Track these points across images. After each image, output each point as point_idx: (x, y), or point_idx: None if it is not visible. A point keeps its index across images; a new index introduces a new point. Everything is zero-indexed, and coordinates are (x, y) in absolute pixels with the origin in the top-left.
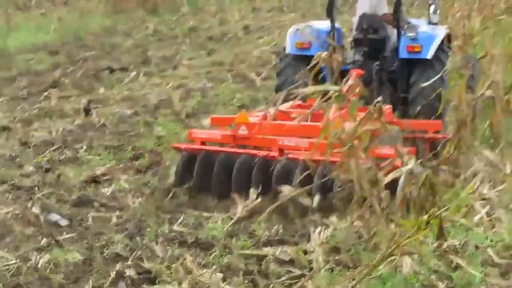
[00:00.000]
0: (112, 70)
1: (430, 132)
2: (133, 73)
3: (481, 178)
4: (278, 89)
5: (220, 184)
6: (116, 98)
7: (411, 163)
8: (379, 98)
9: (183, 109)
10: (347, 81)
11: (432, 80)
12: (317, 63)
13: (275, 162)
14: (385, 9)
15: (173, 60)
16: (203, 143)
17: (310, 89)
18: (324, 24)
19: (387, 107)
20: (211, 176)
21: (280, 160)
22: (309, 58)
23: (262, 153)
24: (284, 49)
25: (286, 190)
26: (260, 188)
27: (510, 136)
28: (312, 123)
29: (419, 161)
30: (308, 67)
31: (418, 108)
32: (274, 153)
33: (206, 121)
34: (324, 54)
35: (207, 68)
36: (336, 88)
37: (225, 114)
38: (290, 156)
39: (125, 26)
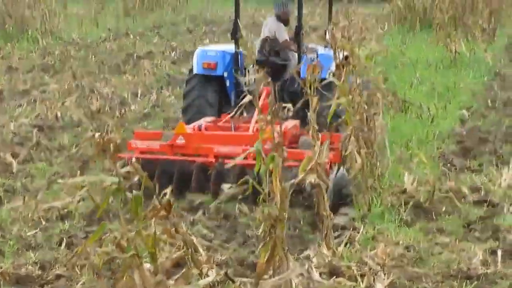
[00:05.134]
0: None
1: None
2: None
3: None
4: (186, 107)
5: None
6: None
7: None
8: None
9: None
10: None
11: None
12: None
13: (212, 168)
14: (285, 36)
15: None
16: (142, 153)
17: None
18: (227, 47)
19: (296, 122)
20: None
21: (216, 165)
22: (215, 78)
23: (200, 159)
24: (191, 70)
25: (225, 188)
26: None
27: None
28: (241, 133)
29: None
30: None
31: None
32: (211, 160)
33: None
34: None
35: None
36: None
37: None
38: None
39: None
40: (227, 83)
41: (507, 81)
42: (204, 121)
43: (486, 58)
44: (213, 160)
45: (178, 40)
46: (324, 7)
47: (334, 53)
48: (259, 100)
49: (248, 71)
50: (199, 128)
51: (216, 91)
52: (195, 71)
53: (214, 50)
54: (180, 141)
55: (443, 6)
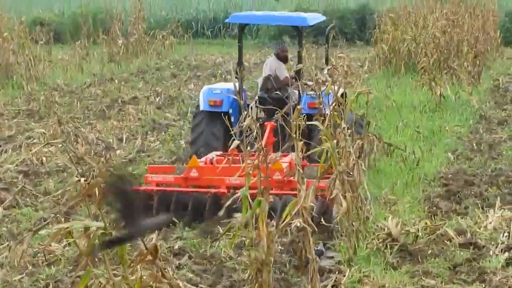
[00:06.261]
0: None
1: None
2: None
3: None
4: (193, 141)
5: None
6: None
7: None
8: None
9: None
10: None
11: None
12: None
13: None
14: (286, 73)
15: None
16: (158, 185)
17: None
18: (231, 85)
19: None
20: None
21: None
22: (221, 114)
23: (213, 190)
24: (198, 106)
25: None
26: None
27: None
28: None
29: None
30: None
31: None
32: (223, 190)
33: None
34: None
35: None
36: None
37: None
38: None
39: None
40: (232, 119)
41: (492, 124)
42: (214, 154)
43: (471, 101)
44: (225, 191)
45: (162, 85)
46: (308, 51)
47: (318, 98)
48: (263, 136)
49: (251, 108)
50: (211, 162)
51: (222, 127)
52: (201, 108)
53: (219, 88)
54: (194, 174)
55: (427, 50)
